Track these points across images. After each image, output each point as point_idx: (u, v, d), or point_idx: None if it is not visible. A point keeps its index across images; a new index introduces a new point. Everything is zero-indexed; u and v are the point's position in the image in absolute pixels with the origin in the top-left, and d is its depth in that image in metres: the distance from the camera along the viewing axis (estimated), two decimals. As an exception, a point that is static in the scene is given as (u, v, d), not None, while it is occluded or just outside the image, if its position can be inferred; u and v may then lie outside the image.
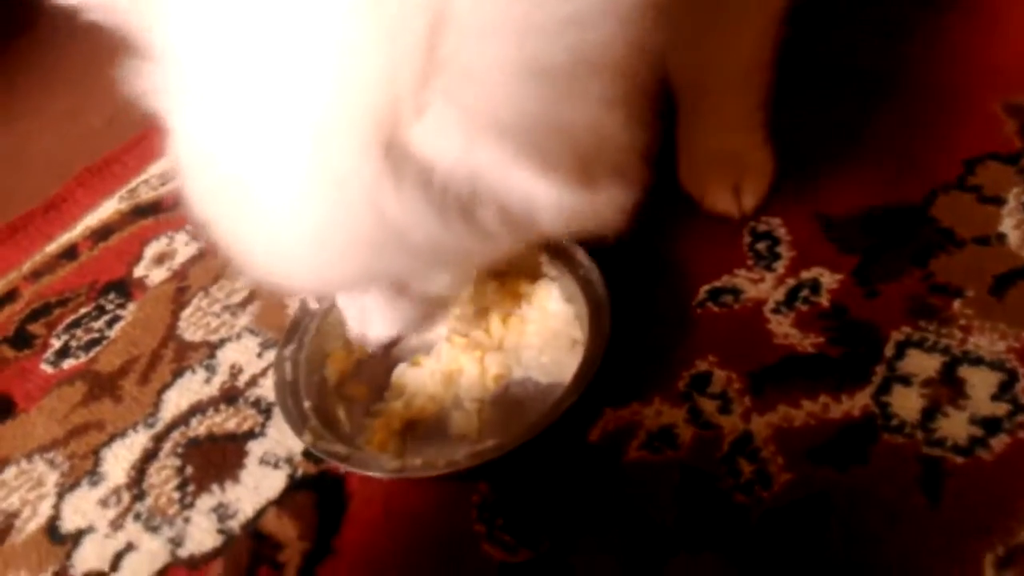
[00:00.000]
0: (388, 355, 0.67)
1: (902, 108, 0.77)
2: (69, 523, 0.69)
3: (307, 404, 0.65)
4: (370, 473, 0.60)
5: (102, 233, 0.98)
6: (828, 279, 0.67)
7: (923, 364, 0.60)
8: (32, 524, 0.70)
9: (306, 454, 0.67)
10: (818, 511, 0.55)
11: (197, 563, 0.64)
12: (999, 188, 0.69)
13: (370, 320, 0.58)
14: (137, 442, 0.74)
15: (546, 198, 0.37)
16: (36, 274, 0.96)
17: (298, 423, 0.63)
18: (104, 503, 0.70)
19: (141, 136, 1.10)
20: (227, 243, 0.46)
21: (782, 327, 0.65)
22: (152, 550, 0.65)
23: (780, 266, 0.69)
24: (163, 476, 0.70)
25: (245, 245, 0.46)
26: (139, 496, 0.69)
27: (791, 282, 0.68)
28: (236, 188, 0.43)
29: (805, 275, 0.68)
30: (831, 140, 0.76)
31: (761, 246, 0.71)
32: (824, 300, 0.66)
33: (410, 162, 0.39)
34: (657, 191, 0.76)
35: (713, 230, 0.73)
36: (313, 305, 0.71)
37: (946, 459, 0.55)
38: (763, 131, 0.74)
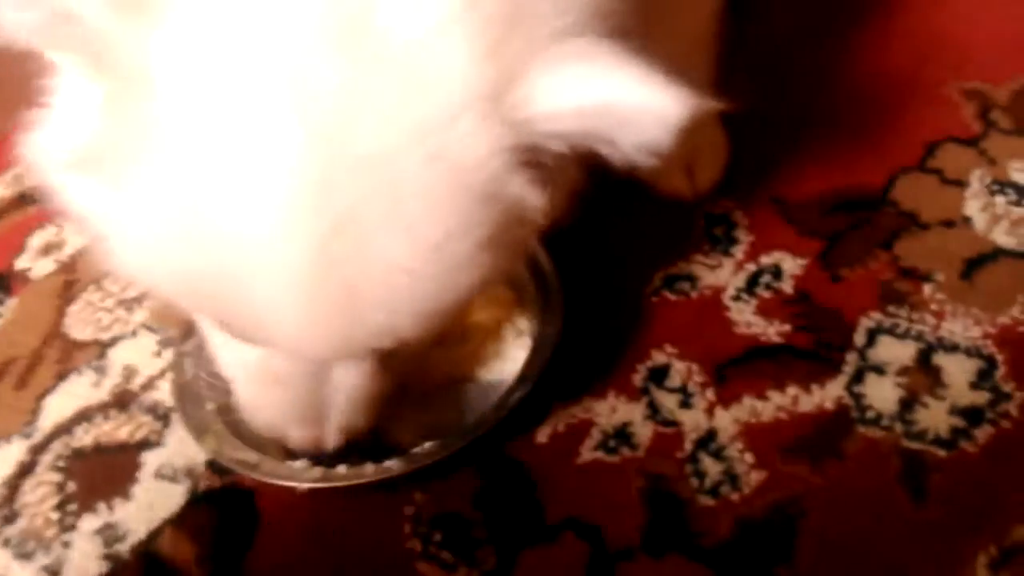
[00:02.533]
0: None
1: (858, 91, 0.73)
2: (-80, 553, 0.59)
3: (210, 406, 0.56)
4: (285, 483, 0.52)
5: (-21, 222, 0.87)
6: (790, 264, 0.62)
7: (897, 352, 0.56)
8: None
9: (210, 464, 0.59)
10: (793, 512, 0.49)
11: (77, 594, 0.54)
12: (960, 171, 0.66)
13: (331, 418, 0.46)
14: (11, 454, 0.63)
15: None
16: (-100, 267, 0.84)
17: (199, 428, 0.55)
18: (-34, 527, 0.59)
19: (26, 117, 0.99)
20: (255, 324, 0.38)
21: (744, 315, 0.60)
22: (23, 581, 0.56)
23: (738, 251, 0.64)
24: (40, 494, 0.60)
25: (313, 308, 0.37)
26: (9, 518, 0.59)
27: (751, 268, 0.63)
28: (289, 240, 0.35)
29: (765, 260, 0.63)
30: (784, 123, 0.72)
31: (718, 231, 0.66)
32: (787, 286, 0.61)
33: (523, 127, 0.35)
34: (602, 173, 0.71)
35: (665, 214, 0.68)
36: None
37: (928, 453, 0.51)
38: (714, 108, 0.69)
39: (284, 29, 0.34)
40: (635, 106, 0.33)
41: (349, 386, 0.45)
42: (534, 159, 0.37)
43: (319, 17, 0.34)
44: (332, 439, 0.47)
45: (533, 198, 0.37)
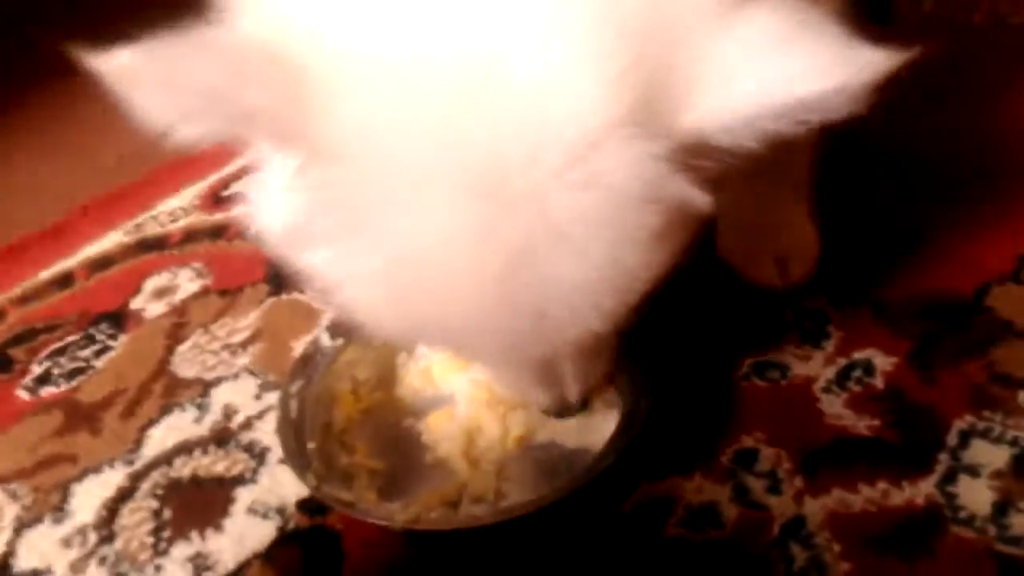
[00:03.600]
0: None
1: (952, 196, 0.75)
2: (24, 562, 0.61)
3: (311, 445, 0.59)
4: (379, 522, 0.53)
5: (101, 263, 0.93)
6: (882, 361, 0.63)
7: (990, 455, 0.55)
8: (-19, 561, 0.62)
9: (301, 506, 0.61)
10: (882, 606, 0.49)
11: (165, 617, 0.56)
12: (1056, 283, 0.66)
13: (566, 380, 0.52)
14: (112, 479, 0.66)
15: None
16: (25, 299, 0.90)
17: (301, 464, 0.57)
18: (67, 543, 0.62)
19: (152, 175, 1.07)
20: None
21: (834, 407, 0.60)
22: (115, 599, 0.58)
23: (829, 345, 0.65)
24: (137, 518, 0.63)
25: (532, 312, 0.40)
26: (107, 538, 0.62)
27: (842, 361, 0.63)
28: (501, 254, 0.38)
29: (857, 355, 0.63)
30: (878, 225, 0.74)
31: (809, 324, 0.67)
32: (879, 382, 0.61)
33: (680, 132, 0.37)
34: (695, 261, 0.73)
35: (756, 305, 0.69)
36: (326, 342, 0.65)
37: (1024, 559, 0.49)
38: (809, 205, 0.71)
39: (433, 92, 0.38)
40: (815, 92, 0.33)
41: (574, 360, 0.50)
42: (697, 158, 0.38)
43: (458, 73, 0.37)
44: (573, 395, 0.53)
45: (696, 196, 0.39)
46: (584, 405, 0.55)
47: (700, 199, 0.39)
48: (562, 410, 0.55)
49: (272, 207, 0.43)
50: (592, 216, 0.38)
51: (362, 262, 0.41)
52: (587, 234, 0.38)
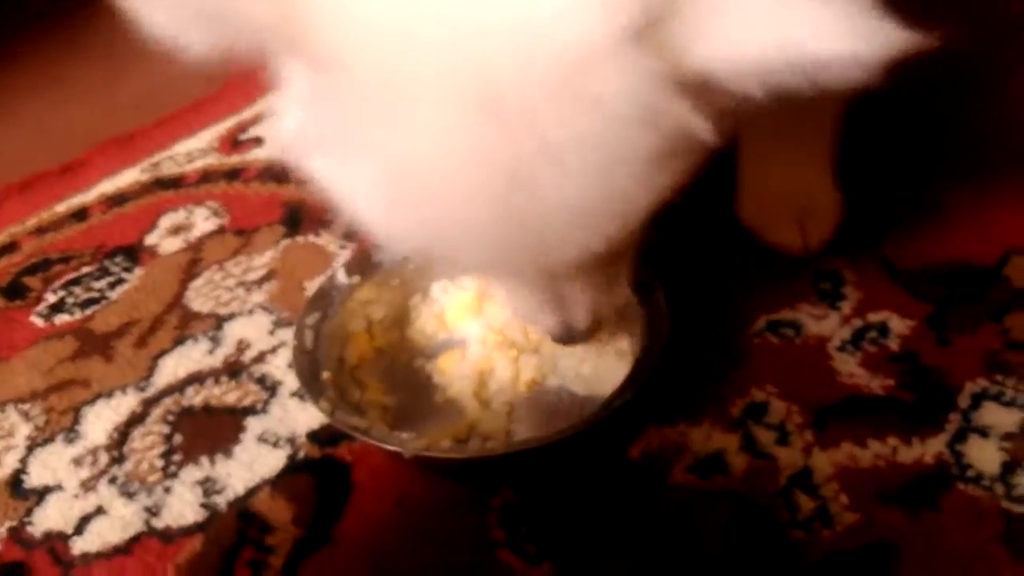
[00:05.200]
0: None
1: (976, 165, 0.74)
2: (35, 478, 0.62)
3: (325, 375, 0.59)
4: (391, 448, 0.54)
5: (117, 200, 0.93)
6: (897, 324, 0.63)
7: (1001, 418, 0.55)
8: (-8, 475, 0.63)
9: (311, 437, 0.61)
10: (885, 554, 0.49)
11: (173, 536, 0.56)
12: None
13: (572, 305, 0.52)
14: (124, 404, 0.67)
15: None
16: (41, 230, 0.90)
17: (315, 391, 0.57)
18: (78, 462, 0.63)
19: (173, 115, 1.07)
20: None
21: (847, 366, 0.60)
22: (124, 516, 0.58)
23: (846, 306, 0.65)
24: (148, 442, 0.63)
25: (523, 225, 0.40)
26: (118, 460, 0.62)
27: (858, 323, 0.63)
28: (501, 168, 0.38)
29: (873, 317, 0.63)
30: (899, 190, 0.74)
31: (825, 285, 0.67)
32: (893, 344, 0.61)
33: (684, 57, 0.36)
34: (715, 222, 0.73)
35: (774, 264, 0.69)
36: (342, 280, 0.66)
37: (1032, 517, 0.50)
38: (832, 168, 0.71)
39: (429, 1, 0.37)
40: (828, 54, 0.32)
41: (577, 283, 0.50)
42: (700, 86, 0.37)
43: None
44: (580, 322, 0.53)
45: (699, 124, 0.38)
46: (591, 333, 0.55)
47: (702, 128, 0.38)
48: (568, 336, 0.54)
49: (290, 117, 0.43)
50: (587, 136, 0.37)
51: (361, 172, 0.41)
52: (582, 154, 0.37)
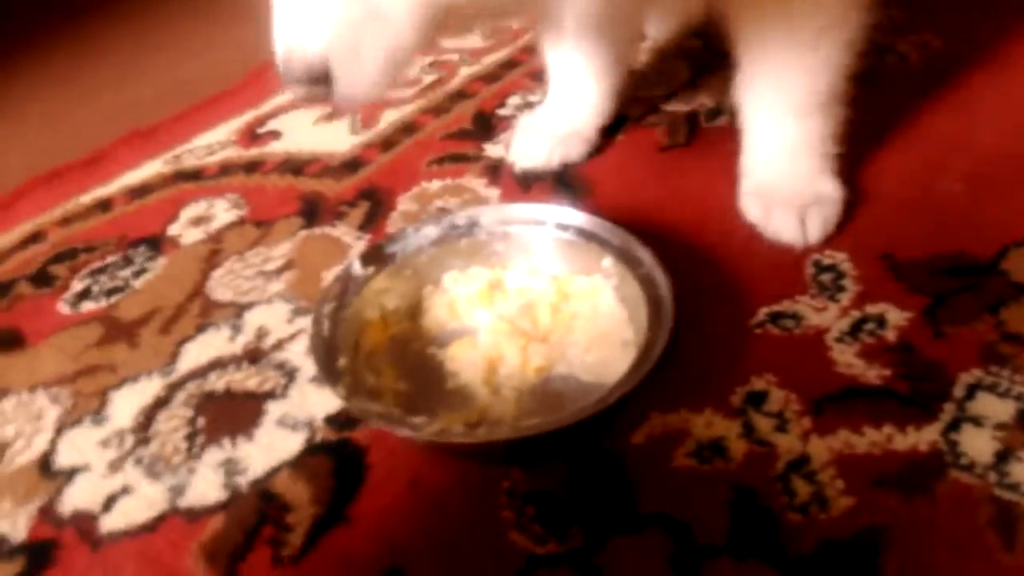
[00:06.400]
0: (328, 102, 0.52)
1: (974, 162, 0.76)
2: (64, 459, 0.65)
3: (342, 362, 0.62)
4: (407, 433, 0.56)
5: (140, 191, 0.96)
6: (895, 316, 0.64)
7: (996, 408, 0.57)
8: (24, 456, 0.66)
9: (329, 421, 0.64)
10: (878, 539, 0.51)
11: (197, 515, 0.59)
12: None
13: (302, 21, 0.46)
14: (149, 388, 0.70)
15: None
16: (66, 220, 0.93)
17: (332, 377, 0.60)
18: (105, 444, 0.65)
19: (193, 109, 1.09)
20: None
21: (845, 356, 0.62)
22: (149, 496, 0.61)
23: (845, 298, 0.67)
24: (172, 425, 0.66)
25: None
26: (143, 441, 0.65)
27: (856, 314, 0.65)
28: None
29: (871, 309, 0.65)
30: (901, 188, 0.75)
31: (825, 278, 0.69)
32: (891, 335, 0.63)
33: None
34: (718, 216, 0.75)
35: (775, 257, 0.71)
36: (357, 270, 0.68)
37: (1022, 505, 0.51)
38: (833, 162, 0.73)
39: None
40: None
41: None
42: None
43: None
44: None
45: None
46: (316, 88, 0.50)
47: None
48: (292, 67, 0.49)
49: None
50: None
51: None
52: None
